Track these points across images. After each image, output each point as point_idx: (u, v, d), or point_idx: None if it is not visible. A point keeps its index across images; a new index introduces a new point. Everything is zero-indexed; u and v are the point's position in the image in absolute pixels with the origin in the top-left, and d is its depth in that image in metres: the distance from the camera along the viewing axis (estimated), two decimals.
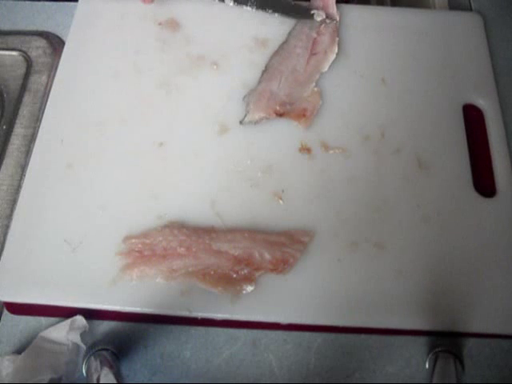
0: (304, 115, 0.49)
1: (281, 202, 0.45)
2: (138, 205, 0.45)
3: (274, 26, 0.54)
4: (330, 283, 0.42)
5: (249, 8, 0.55)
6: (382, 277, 0.42)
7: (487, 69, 0.52)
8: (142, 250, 0.43)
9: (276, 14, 0.55)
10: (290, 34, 0.54)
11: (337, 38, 0.53)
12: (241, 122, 0.49)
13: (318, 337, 0.43)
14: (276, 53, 0.52)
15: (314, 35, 0.53)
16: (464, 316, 0.41)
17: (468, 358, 0.42)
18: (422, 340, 0.43)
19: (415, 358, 0.42)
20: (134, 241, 0.43)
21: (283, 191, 0.46)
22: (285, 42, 0.53)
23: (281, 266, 0.42)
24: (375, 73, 0.52)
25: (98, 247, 0.43)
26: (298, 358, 0.42)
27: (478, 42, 0.54)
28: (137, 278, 0.42)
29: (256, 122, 0.49)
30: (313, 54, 0.52)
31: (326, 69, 0.52)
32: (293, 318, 0.42)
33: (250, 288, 0.42)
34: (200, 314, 0.41)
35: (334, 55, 0.52)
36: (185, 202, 0.45)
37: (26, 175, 0.47)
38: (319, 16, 0.54)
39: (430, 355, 0.41)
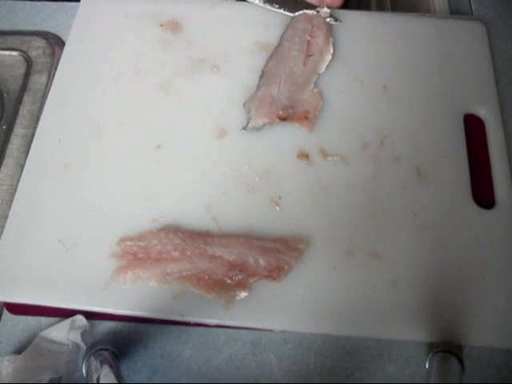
0: (306, 117, 0.49)
1: (277, 208, 0.45)
2: (134, 207, 0.45)
3: (275, 30, 0.54)
4: (324, 291, 0.42)
5: (256, 1, 0.55)
6: (377, 286, 0.42)
7: (489, 78, 0.52)
8: (137, 252, 0.43)
9: (282, 10, 0.55)
10: (282, 37, 0.53)
11: (331, 39, 0.52)
12: (244, 129, 0.49)
13: (318, 337, 0.43)
14: (271, 57, 0.52)
15: (308, 37, 0.53)
16: (460, 328, 0.41)
17: (468, 358, 0.42)
18: None
19: (415, 358, 0.42)
20: (128, 243, 0.43)
21: (280, 197, 0.45)
22: (279, 46, 0.53)
23: (275, 272, 0.42)
24: (375, 80, 0.51)
25: (93, 249, 0.43)
26: (298, 358, 0.42)
27: (480, 50, 0.53)
28: (130, 281, 0.42)
29: (259, 128, 0.49)
30: (309, 55, 0.52)
31: (323, 70, 0.51)
32: (286, 326, 0.41)
33: (243, 294, 0.41)
34: (192, 319, 0.41)
35: (330, 56, 0.52)
36: (181, 206, 0.45)
37: (23, 174, 0.47)
38: (325, 14, 0.54)
39: (429, 355, 0.41)
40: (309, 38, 0.52)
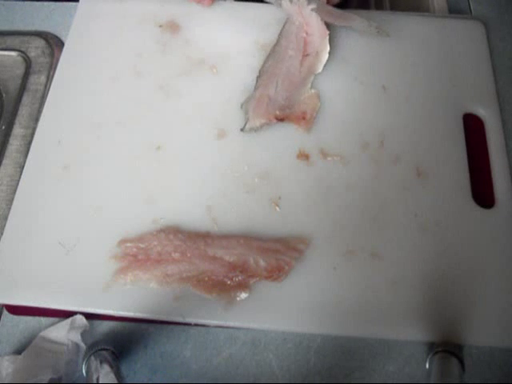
0: (304, 118, 0.49)
1: (277, 208, 0.45)
2: (134, 208, 0.45)
3: (274, 30, 0.54)
4: (324, 291, 0.42)
5: None
6: (378, 286, 0.42)
7: (488, 77, 0.52)
8: (137, 254, 0.43)
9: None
10: (280, 34, 0.53)
11: (327, 37, 0.51)
12: (242, 130, 0.49)
13: (318, 336, 0.43)
14: (269, 56, 0.52)
15: (303, 35, 0.52)
16: (460, 328, 0.41)
17: (468, 357, 0.42)
18: None
19: (415, 357, 0.42)
20: (128, 245, 0.43)
21: (280, 198, 0.45)
22: (276, 44, 0.52)
23: (276, 273, 0.42)
24: (375, 80, 0.51)
25: (93, 250, 0.43)
26: (298, 358, 0.42)
27: (479, 50, 0.53)
28: (130, 283, 0.42)
29: (257, 129, 0.48)
30: (305, 55, 0.51)
31: (320, 69, 0.51)
32: (286, 327, 0.41)
33: (244, 295, 0.41)
34: (193, 320, 0.41)
35: (327, 55, 0.51)
36: (181, 207, 0.45)
37: (22, 175, 0.47)
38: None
39: (430, 355, 0.41)
40: (305, 36, 0.52)
